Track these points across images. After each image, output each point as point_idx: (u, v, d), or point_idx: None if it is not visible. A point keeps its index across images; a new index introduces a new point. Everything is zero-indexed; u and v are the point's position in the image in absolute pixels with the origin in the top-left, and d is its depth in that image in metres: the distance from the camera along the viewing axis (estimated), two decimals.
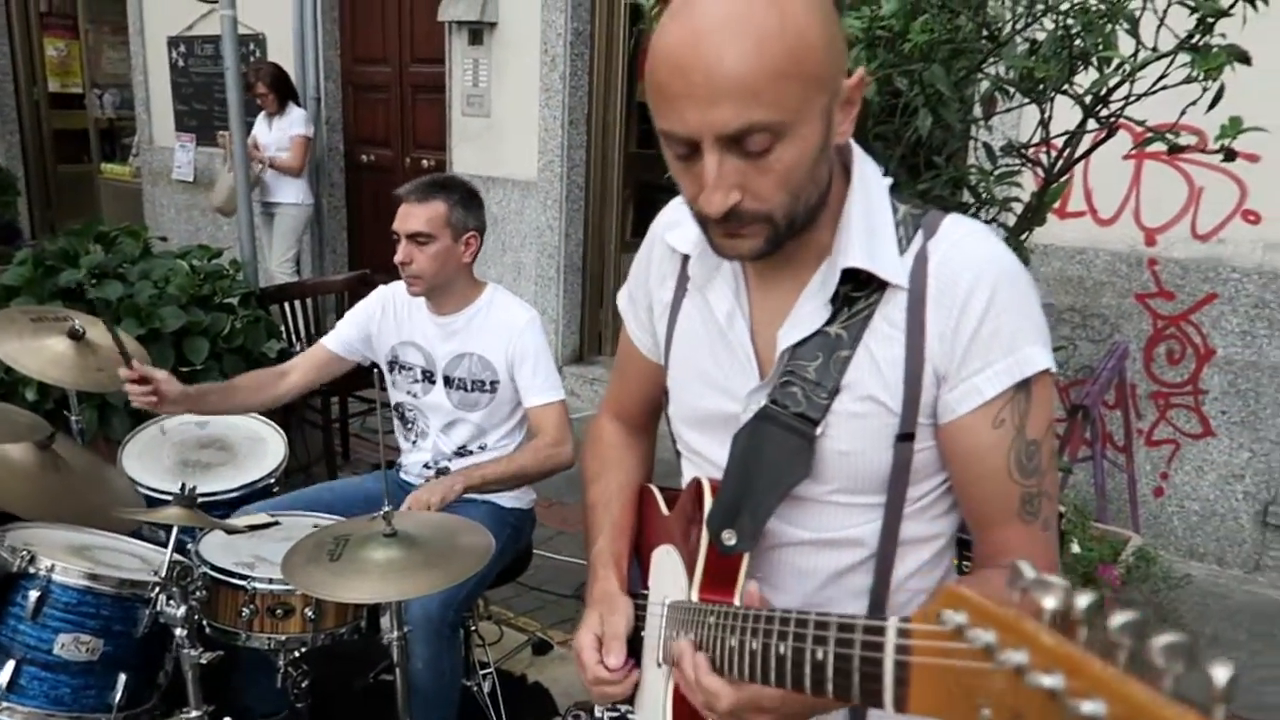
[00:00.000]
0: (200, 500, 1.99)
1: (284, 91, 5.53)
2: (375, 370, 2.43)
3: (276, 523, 2.19)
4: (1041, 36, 1.74)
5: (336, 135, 6.32)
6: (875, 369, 1.01)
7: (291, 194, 5.57)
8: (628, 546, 1.26)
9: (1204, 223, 3.42)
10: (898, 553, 1.09)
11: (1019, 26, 1.70)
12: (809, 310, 1.03)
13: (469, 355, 2.33)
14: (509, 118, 5.25)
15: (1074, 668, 0.46)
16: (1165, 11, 1.52)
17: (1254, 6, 1.57)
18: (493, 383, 2.33)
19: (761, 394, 1.06)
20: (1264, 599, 3.34)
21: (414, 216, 2.24)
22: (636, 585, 1.22)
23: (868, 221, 1.01)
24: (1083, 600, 0.49)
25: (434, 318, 2.36)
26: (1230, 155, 1.56)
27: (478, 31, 5.23)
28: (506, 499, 2.38)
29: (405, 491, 2.21)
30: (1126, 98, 1.72)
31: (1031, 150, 1.99)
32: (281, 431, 2.71)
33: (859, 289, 1.01)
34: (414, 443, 2.45)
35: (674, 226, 1.16)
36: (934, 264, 1.00)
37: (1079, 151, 1.92)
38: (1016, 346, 0.99)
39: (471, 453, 2.38)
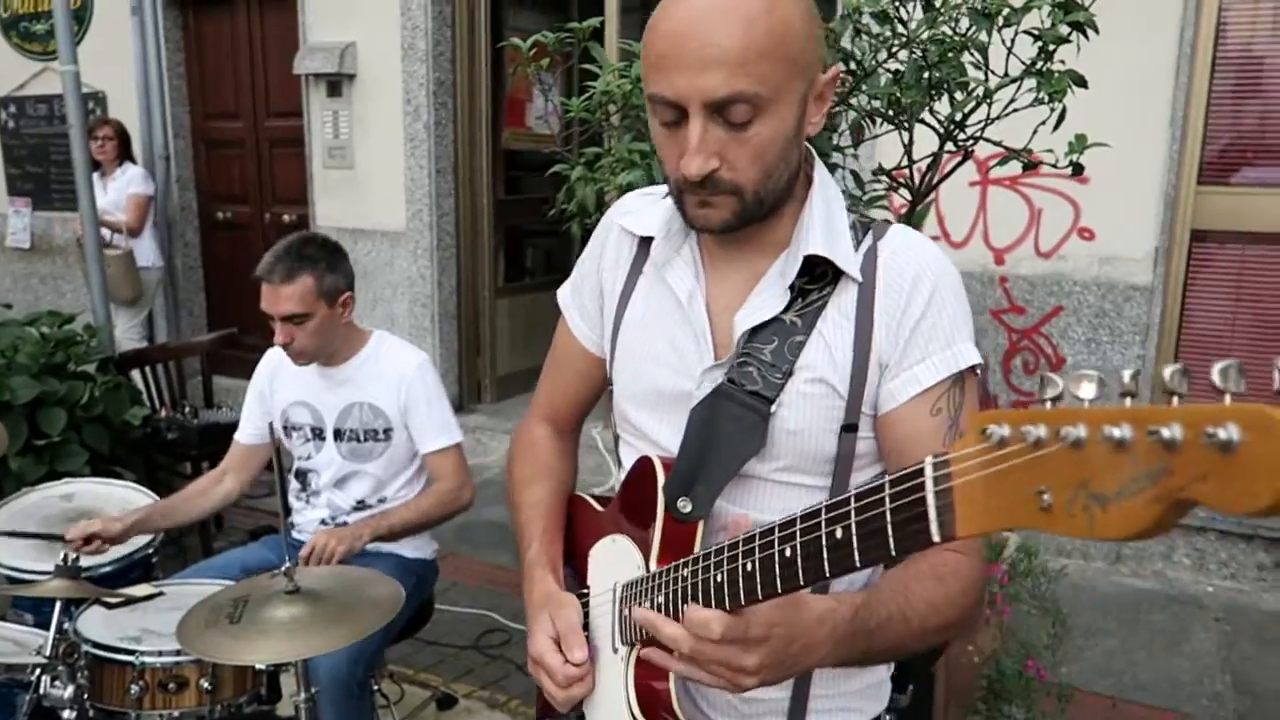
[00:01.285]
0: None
1: (124, 149, 5.32)
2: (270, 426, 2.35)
3: (161, 593, 2.07)
4: (900, 68, 1.86)
5: (189, 194, 6.09)
6: (828, 353, 1.07)
7: (139, 256, 5.32)
8: (562, 551, 1.27)
9: (1045, 241, 3.68)
10: None
11: (881, 59, 1.82)
12: (767, 296, 1.09)
13: (359, 405, 2.28)
14: (373, 169, 5.18)
15: (1134, 417, 0.55)
16: (1013, 40, 1.65)
17: (1085, 35, 1.72)
18: (386, 431, 2.28)
19: (718, 373, 1.10)
20: (1126, 587, 3.57)
21: (283, 299, 2.15)
22: (574, 589, 1.22)
23: (827, 219, 1.09)
24: (1127, 372, 0.60)
25: (320, 370, 2.30)
26: (1078, 169, 1.69)
27: (336, 83, 5.17)
28: (409, 549, 2.32)
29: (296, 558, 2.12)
30: (981, 121, 1.84)
31: (896, 174, 2.11)
32: (155, 497, 2.57)
33: (813, 282, 1.08)
34: (307, 500, 2.36)
35: (632, 213, 1.23)
36: (884, 260, 1.09)
37: (940, 175, 2.04)
38: (953, 341, 1.07)
39: (371, 506, 2.32)
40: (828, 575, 0.83)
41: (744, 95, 0.96)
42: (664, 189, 1.22)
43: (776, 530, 0.88)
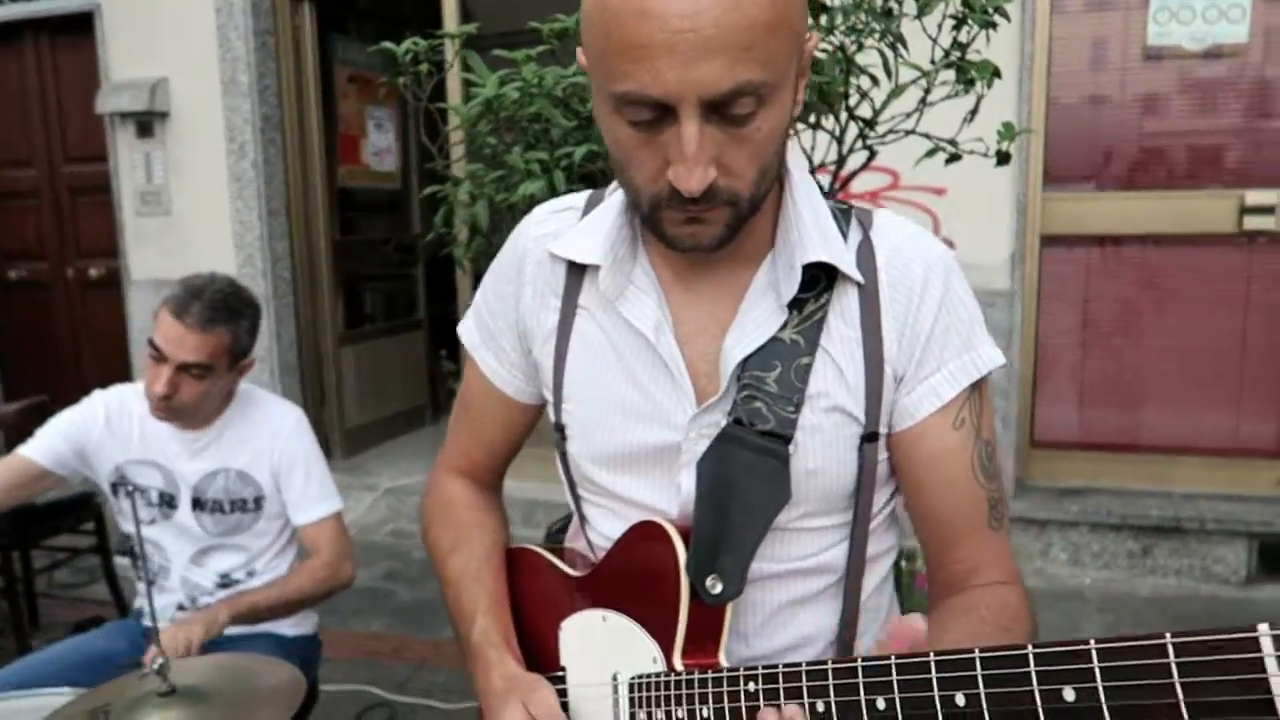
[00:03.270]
0: None
1: None
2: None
3: None
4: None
5: None
6: (839, 375, 0.92)
7: None
8: (510, 621, 1.06)
9: None
10: (865, 571, 1.00)
11: None
12: (759, 314, 0.93)
13: (224, 472, 1.97)
14: (195, 213, 4.75)
15: None
16: (940, 26, 1.59)
17: (994, 28, 1.68)
18: (257, 499, 1.98)
19: (716, 415, 0.93)
20: None
21: (191, 346, 1.83)
22: (535, 669, 1.02)
23: (815, 216, 0.93)
24: None
25: (179, 433, 1.97)
26: (1005, 159, 1.65)
27: (147, 123, 4.72)
28: (288, 627, 2.02)
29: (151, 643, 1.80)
30: (897, 116, 1.78)
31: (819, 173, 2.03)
32: None
33: (807, 289, 0.92)
34: (153, 582, 2.02)
35: (556, 236, 1.01)
36: (883, 257, 0.94)
37: (849, 175, 1.98)
38: (970, 344, 0.95)
39: (238, 581, 2.00)
40: None
41: (750, 85, 0.78)
42: (574, 201, 1.05)
43: (934, 667, 0.69)
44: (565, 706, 0.98)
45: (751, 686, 0.81)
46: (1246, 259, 3.58)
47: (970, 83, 1.64)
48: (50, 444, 1.98)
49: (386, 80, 1.93)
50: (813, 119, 1.83)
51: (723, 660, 0.91)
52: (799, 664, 0.79)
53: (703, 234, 0.86)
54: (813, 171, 1.96)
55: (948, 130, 1.74)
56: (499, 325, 1.09)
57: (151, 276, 4.74)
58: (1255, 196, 3.46)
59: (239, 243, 4.68)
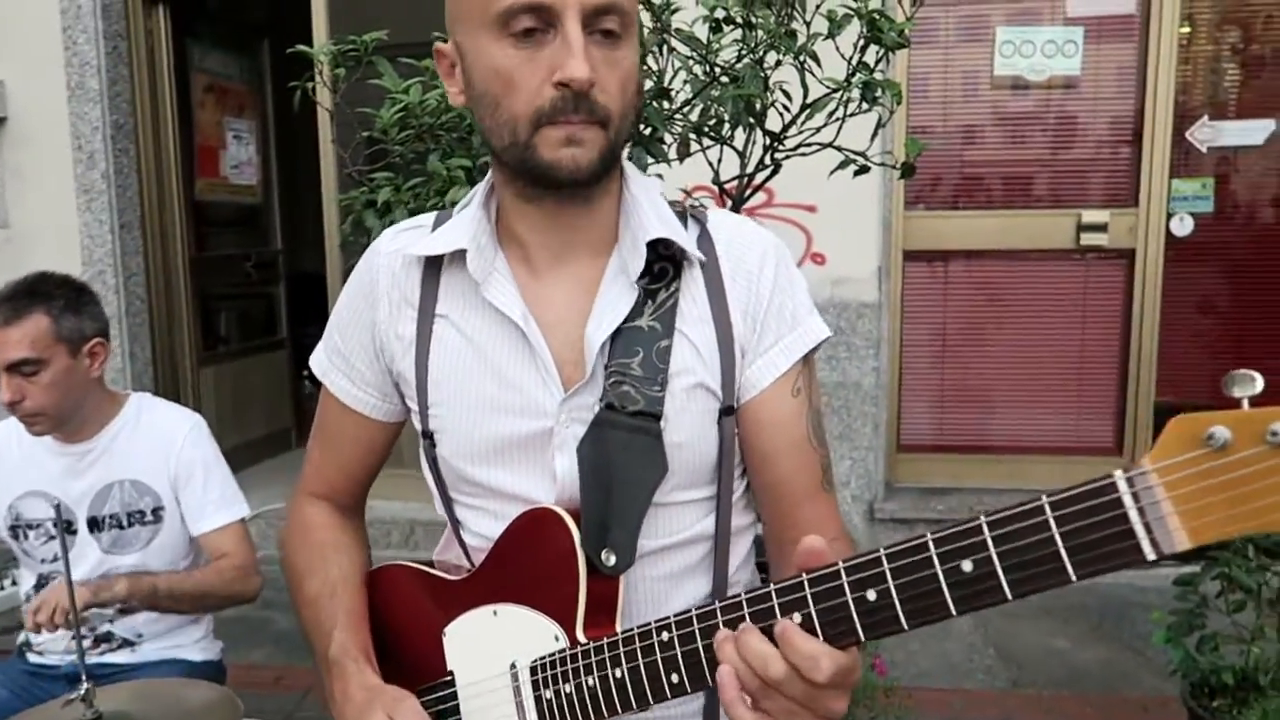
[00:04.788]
0: None
1: None
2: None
3: None
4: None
5: None
6: (696, 354, 0.99)
7: None
8: (369, 637, 1.06)
9: None
10: (730, 545, 1.07)
11: (685, 79, 1.81)
12: (614, 296, 0.99)
13: (118, 484, 1.87)
14: (38, 226, 4.43)
15: None
16: (857, 46, 1.70)
17: (893, 53, 1.80)
18: (155, 510, 1.89)
19: (587, 398, 0.98)
20: None
21: (10, 342, 1.75)
22: (417, 682, 1.04)
23: (653, 203, 1.01)
24: None
25: (62, 448, 1.86)
26: (909, 171, 1.77)
27: None
28: (194, 651, 1.93)
29: (44, 688, 1.69)
30: (805, 131, 1.88)
31: (700, 188, 2.11)
32: None
33: (656, 280, 0.99)
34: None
35: (410, 247, 1.05)
36: (722, 244, 1.03)
37: (753, 188, 2.07)
38: (800, 319, 1.03)
39: (135, 610, 1.88)
40: (954, 613, 0.71)
41: (619, 5, 0.89)
42: (421, 220, 1.10)
43: (844, 573, 0.75)
44: (455, 710, 1.00)
45: (665, 635, 0.85)
46: (1084, 272, 3.92)
47: (875, 100, 1.75)
48: None
49: (296, 84, 1.88)
50: (725, 132, 1.91)
51: (618, 631, 0.93)
52: (712, 602, 0.83)
53: (581, 157, 0.91)
54: (720, 185, 2.05)
55: (841, 146, 1.85)
56: (351, 346, 1.10)
57: None
58: (1090, 216, 3.79)
59: (88, 258, 4.39)
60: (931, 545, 0.72)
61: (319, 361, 1.14)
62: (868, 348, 3.83)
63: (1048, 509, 0.67)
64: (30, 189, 4.41)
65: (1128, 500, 0.64)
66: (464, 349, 1.02)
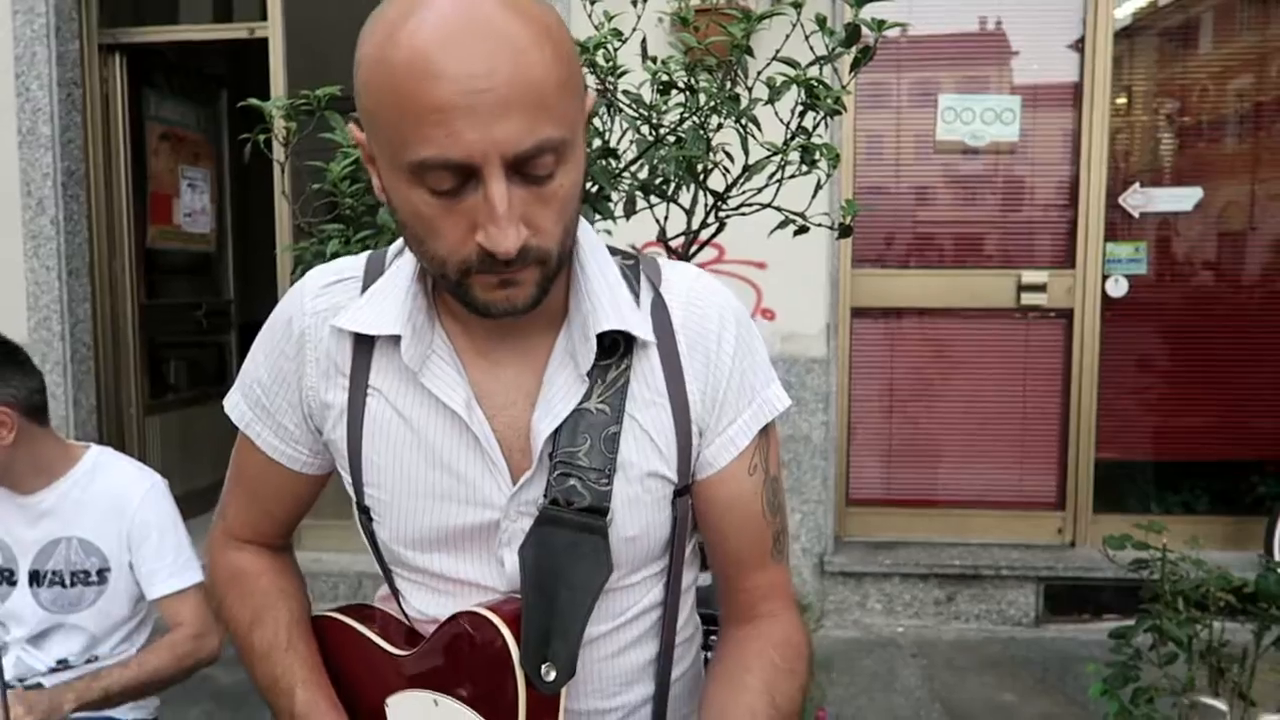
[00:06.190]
0: None
1: None
2: None
3: None
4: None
5: None
6: (649, 442, 0.95)
7: None
8: (332, 690, 1.04)
9: None
10: (680, 604, 1.07)
11: (633, 138, 1.87)
12: (561, 385, 0.93)
13: (65, 541, 1.84)
14: None
15: None
16: (794, 110, 1.76)
17: (831, 118, 1.87)
18: (101, 571, 1.85)
19: (532, 492, 0.94)
20: (835, 639, 3.82)
21: None
22: None
23: (604, 278, 0.94)
24: None
25: (14, 497, 1.83)
26: (846, 231, 1.83)
27: None
28: (125, 710, 1.87)
29: None
30: (748, 191, 1.94)
31: (651, 244, 2.16)
32: None
33: (607, 356, 0.93)
34: None
35: (337, 311, 0.97)
36: (678, 316, 0.97)
37: (699, 245, 2.12)
38: (757, 391, 0.99)
39: (75, 669, 1.85)
40: None
41: (550, 142, 0.78)
42: (351, 268, 1.02)
43: None
44: None
45: None
46: (1024, 331, 4.02)
47: (814, 163, 1.82)
48: None
49: (249, 136, 1.91)
50: (670, 190, 1.96)
51: None
52: None
53: (517, 295, 0.84)
54: (665, 241, 2.10)
55: (780, 206, 1.91)
56: (278, 403, 1.03)
57: None
58: (1030, 276, 3.91)
59: (33, 304, 4.34)
60: None
61: (238, 410, 1.06)
62: (817, 402, 3.89)
63: None
64: None
65: None
66: (402, 430, 0.95)
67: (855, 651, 3.71)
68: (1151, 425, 4.07)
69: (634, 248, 1.77)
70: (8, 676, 1.83)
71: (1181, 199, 3.91)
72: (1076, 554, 3.94)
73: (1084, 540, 3.98)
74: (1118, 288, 3.89)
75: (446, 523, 0.96)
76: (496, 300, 0.85)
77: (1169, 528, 2.41)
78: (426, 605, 1.02)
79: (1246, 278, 4.01)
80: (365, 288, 0.98)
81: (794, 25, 1.72)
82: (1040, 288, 3.91)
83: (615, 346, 0.93)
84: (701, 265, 4.28)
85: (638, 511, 0.95)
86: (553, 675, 0.91)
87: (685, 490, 0.99)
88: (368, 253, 1.05)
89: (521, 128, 0.76)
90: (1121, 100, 3.96)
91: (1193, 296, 4.02)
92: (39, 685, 1.79)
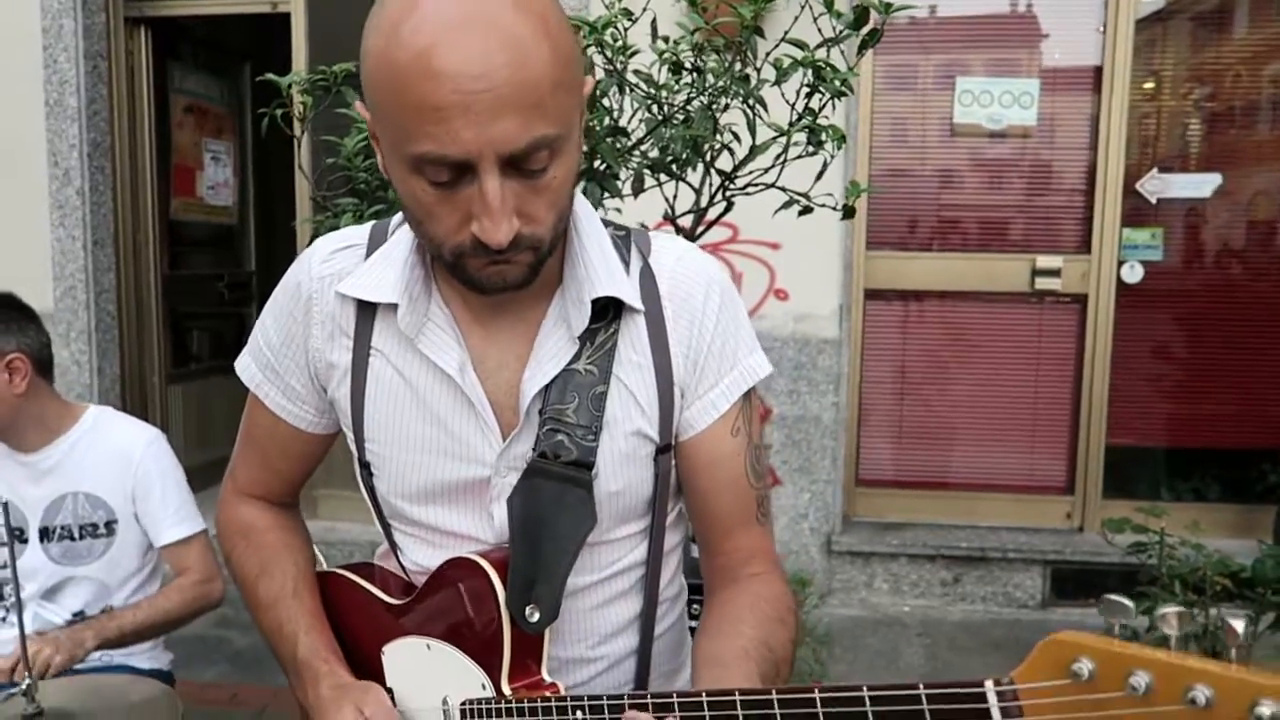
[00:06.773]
0: None
1: None
2: None
3: None
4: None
5: None
6: (633, 401, 1.00)
7: None
8: (333, 637, 1.10)
9: (747, 302, 3.96)
10: (662, 565, 1.11)
11: (643, 117, 1.89)
12: (551, 347, 0.99)
13: (71, 495, 1.90)
14: (10, 241, 4.46)
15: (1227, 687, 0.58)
16: (799, 92, 1.79)
17: (839, 98, 1.89)
18: (109, 524, 1.92)
19: (522, 448, 0.99)
20: (840, 617, 3.86)
21: None
22: None
23: (599, 247, 0.99)
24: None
25: (16, 456, 1.89)
26: (849, 213, 1.85)
27: None
28: (143, 659, 1.95)
29: None
30: (754, 171, 1.96)
31: (662, 223, 2.19)
32: None
33: (596, 320, 0.98)
34: (4, 617, 1.91)
35: (342, 276, 1.02)
36: (665, 284, 1.02)
37: (706, 224, 2.15)
38: (740, 357, 1.05)
39: (89, 619, 1.91)
40: None
41: (545, 140, 0.81)
42: (355, 237, 1.07)
43: (740, 705, 0.82)
44: None
45: (579, 715, 0.91)
46: (1038, 315, 4.02)
47: (820, 144, 1.84)
48: None
49: (265, 110, 1.95)
50: (677, 170, 1.99)
51: (544, 675, 0.99)
52: (622, 696, 0.90)
53: (508, 274, 0.89)
54: (673, 219, 2.13)
55: (785, 187, 1.93)
56: (286, 364, 1.09)
57: None
58: (1044, 261, 3.91)
59: (58, 274, 4.42)
60: (819, 701, 0.78)
61: (249, 372, 1.12)
62: (828, 383, 3.91)
63: (924, 699, 0.74)
64: (4, 204, 4.45)
65: (992, 701, 0.71)
66: (401, 389, 1.01)
67: (860, 629, 3.75)
68: (1163, 412, 4.06)
69: (643, 226, 1.81)
70: (28, 630, 1.90)
71: (1199, 185, 3.89)
72: (1084, 539, 3.95)
73: (1092, 525, 3.98)
74: (1133, 274, 3.88)
75: (441, 477, 1.02)
76: (490, 277, 0.90)
77: (1171, 513, 2.43)
78: (422, 558, 1.07)
79: (1263, 265, 3.99)
80: (369, 254, 1.04)
81: (803, 7, 1.74)
82: (1055, 273, 3.90)
83: (605, 312, 0.98)
84: (715, 245, 4.31)
85: (622, 467, 1.01)
86: (536, 617, 0.97)
87: (667, 449, 1.04)
88: (373, 222, 1.10)
89: (517, 127, 0.79)
90: (1149, 85, 3.94)
91: (1208, 284, 4.00)
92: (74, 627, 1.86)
